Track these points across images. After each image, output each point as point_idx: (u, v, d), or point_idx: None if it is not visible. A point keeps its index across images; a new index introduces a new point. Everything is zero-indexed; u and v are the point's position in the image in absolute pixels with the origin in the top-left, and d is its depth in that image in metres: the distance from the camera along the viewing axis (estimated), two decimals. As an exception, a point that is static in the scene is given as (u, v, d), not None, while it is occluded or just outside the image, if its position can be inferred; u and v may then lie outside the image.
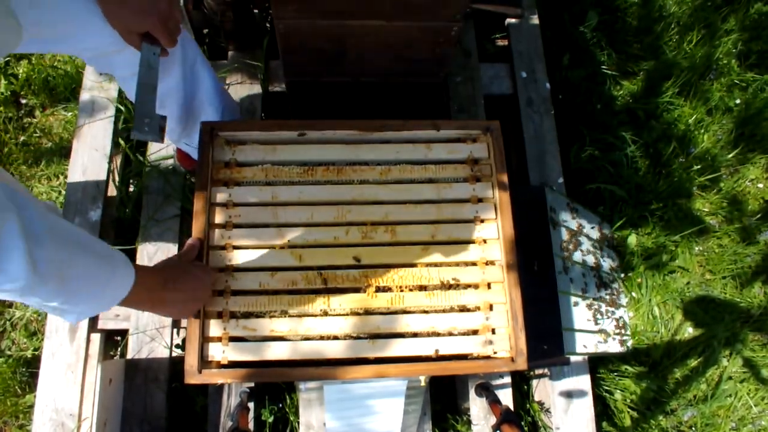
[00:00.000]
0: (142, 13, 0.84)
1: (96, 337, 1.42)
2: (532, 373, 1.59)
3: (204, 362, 0.97)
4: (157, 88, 0.89)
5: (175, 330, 1.44)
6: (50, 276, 0.63)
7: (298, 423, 1.36)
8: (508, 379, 1.47)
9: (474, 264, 1.07)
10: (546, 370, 1.53)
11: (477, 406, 1.45)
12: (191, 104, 1.22)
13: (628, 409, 1.66)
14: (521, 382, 1.59)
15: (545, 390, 1.55)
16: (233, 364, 0.99)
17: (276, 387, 1.48)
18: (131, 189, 1.64)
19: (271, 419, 1.41)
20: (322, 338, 1.01)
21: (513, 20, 1.83)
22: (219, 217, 1.05)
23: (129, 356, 1.39)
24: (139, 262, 1.44)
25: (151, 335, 1.40)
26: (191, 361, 0.95)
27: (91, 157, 1.54)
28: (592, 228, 1.63)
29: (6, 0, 0.71)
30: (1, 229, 0.57)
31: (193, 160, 1.50)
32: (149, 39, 0.89)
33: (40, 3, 0.80)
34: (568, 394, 1.49)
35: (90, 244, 0.71)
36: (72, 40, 0.89)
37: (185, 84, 1.15)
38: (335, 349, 1.00)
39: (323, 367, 0.98)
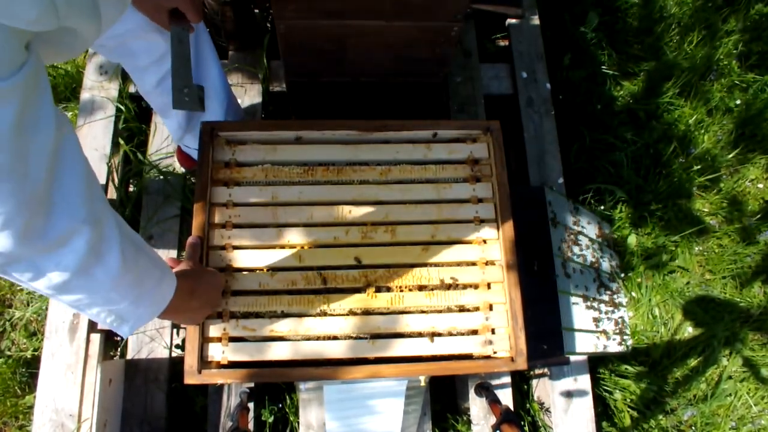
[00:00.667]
0: None
1: (96, 338, 1.42)
2: (532, 372, 1.59)
3: (204, 362, 0.97)
4: (190, 59, 0.93)
5: (174, 330, 1.44)
6: (132, 270, 0.65)
7: (298, 423, 1.36)
8: (508, 379, 1.47)
9: (474, 264, 1.07)
10: (546, 370, 1.53)
11: (477, 406, 1.45)
12: None
13: (628, 409, 1.66)
14: (521, 382, 1.59)
15: (545, 390, 1.55)
16: (233, 365, 0.99)
17: (276, 387, 1.48)
18: (131, 189, 1.64)
19: (271, 419, 1.41)
20: (321, 338, 1.01)
21: (513, 20, 1.83)
22: (219, 217, 1.05)
23: (129, 356, 1.39)
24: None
25: (150, 336, 1.40)
26: (191, 361, 0.95)
27: (90, 157, 1.54)
28: (592, 228, 1.63)
29: None
30: (105, 226, 0.60)
31: (193, 161, 1.51)
32: (176, 17, 0.93)
33: None
34: (568, 394, 1.49)
35: (144, 245, 0.73)
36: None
37: (194, 71, 1.16)
38: (335, 350, 1.00)
39: (323, 368, 0.98)
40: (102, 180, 1.52)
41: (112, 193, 1.58)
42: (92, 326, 1.41)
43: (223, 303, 1.00)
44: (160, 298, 0.75)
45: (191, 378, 0.94)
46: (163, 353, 1.39)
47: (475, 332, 1.05)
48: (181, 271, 0.87)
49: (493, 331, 1.04)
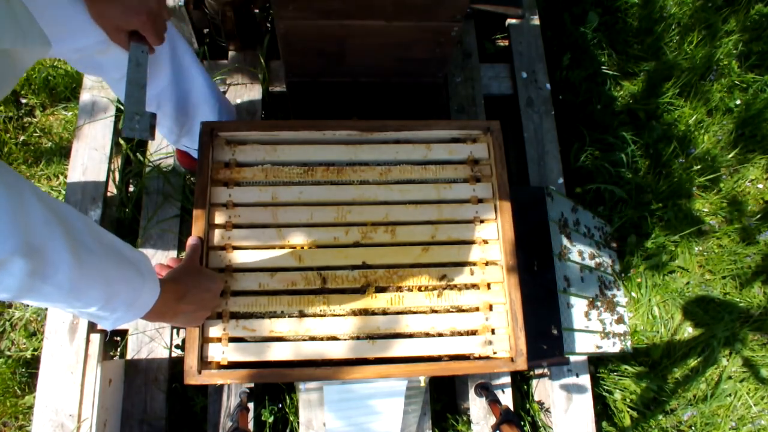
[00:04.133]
0: (131, 11, 0.84)
1: (95, 338, 1.42)
2: (532, 373, 1.59)
3: (204, 363, 0.97)
4: (146, 85, 0.88)
5: (174, 330, 1.44)
6: (95, 279, 0.64)
7: (298, 423, 1.36)
8: (508, 379, 1.47)
9: (474, 264, 1.07)
10: (546, 370, 1.54)
11: (477, 406, 1.45)
12: (186, 103, 1.21)
13: (628, 409, 1.66)
14: (521, 382, 1.59)
15: (545, 390, 1.55)
16: (233, 365, 0.99)
17: (276, 387, 1.48)
18: (131, 189, 1.64)
19: (271, 419, 1.41)
20: (322, 339, 1.01)
21: (513, 21, 1.83)
22: (219, 218, 1.05)
23: (129, 357, 1.39)
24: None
25: (150, 336, 1.40)
26: (191, 361, 0.95)
27: (91, 157, 1.54)
28: (592, 228, 1.63)
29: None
30: (47, 243, 0.57)
31: (193, 160, 1.50)
32: (137, 37, 0.88)
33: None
34: (568, 394, 1.49)
35: (123, 249, 0.71)
36: (59, 41, 0.87)
37: (176, 82, 1.14)
38: (335, 350, 1.00)
39: (323, 368, 0.98)
40: (102, 180, 1.52)
41: (112, 193, 1.58)
42: (92, 326, 1.41)
43: (222, 303, 1.00)
44: (140, 303, 0.73)
45: (191, 378, 0.94)
46: (163, 353, 1.39)
47: (475, 332, 1.05)
48: (173, 275, 0.87)
49: (493, 332, 1.04)
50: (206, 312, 0.93)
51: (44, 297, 0.60)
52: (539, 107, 1.73)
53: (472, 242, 1.09)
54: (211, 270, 1.00)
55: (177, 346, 1.45)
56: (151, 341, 1.39)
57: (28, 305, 1.61)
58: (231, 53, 1.69)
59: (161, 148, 1.58)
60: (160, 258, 1.45)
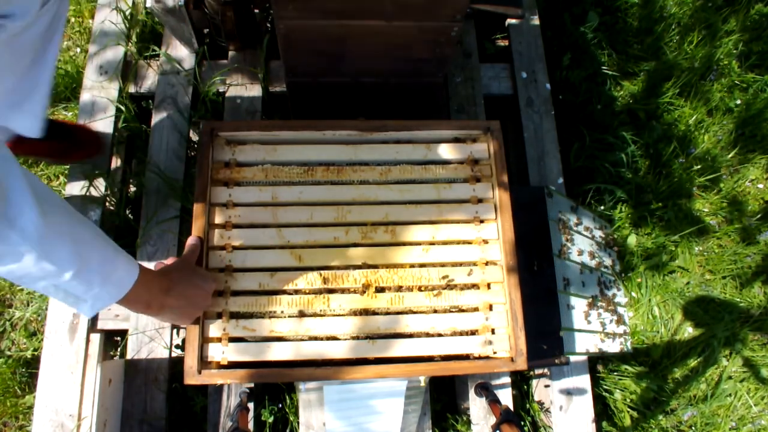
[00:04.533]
0: None
1: (95, 338, 1.42)
2: (531, 373, 1.59)
3: (204, 363, 0.97)
4: None
5: (174, 330, 1.44)
6: (63, 235, 0.61)
7: (298, 423, 1.35)
8: (508, 379, 1.47)
9: (474, 264, 1.07)
10: (546, 370, 1.54)
11: (477, 406, 1.45)
12: None
13: (628, 409, 1.66)
14: (521, 382, 1.59)
15: (545, 390, 1.55)
16: (233, 365, 0.99)
17: (276, 387, 1.48)
18: (131, 189, 1.64)
19: (271, 419, 1.41)
20: (322, 339, 1.01)
21: (513, 21, 1.83)
22: (219, 218, 1.05)
23: (129, 356, 1.39)
24: (138, 262, 1.44)
25: (150, 336, 1.40)
26: (191, 361, 0.95)
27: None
28: (592, 228, 1.63)
29: None
30: (6, 180, 0.55)
31: (27, 145, 1.36)
32: None
33: None
34: (568, 394, 1.49)
35: (93, 225, 0.70)
36: None
37: None
38: (335, 350, 1.00)
39: (323, 368, 0.98)
40: (102, 181, 1.52)
41: (112, 194, 1.58)
42: (92, 326, 1.41)
43: (221, 303, 1.00)
44: (115, 280, 0.72)
45: (191, 378, 0.94)
46: (163, 353, 1.39)
47: (475, 332, 1.05)
48: (164, 268, 0.88)
49: (493, 332, 1.04)
50: (196, 310, 0.92)
51: (11, 252, 0.57)
52: (539, 107, 1.73)
53: (471, 242, 1.09)
54: (209, 271, 1.01)
55: (177, 346, 1.45)
56: (151, 341, 1.39)
57: (28, 305, 1.61)
58: (231, 53, 1.69)
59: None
60: (160, 258, 1.45)
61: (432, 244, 1.08)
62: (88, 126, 1.55)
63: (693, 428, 1.72)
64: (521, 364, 1.00)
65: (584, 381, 1.51)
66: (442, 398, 1.54)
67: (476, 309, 1.05)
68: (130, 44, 1.67)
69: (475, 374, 1.45)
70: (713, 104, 2.04)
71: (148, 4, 1.40)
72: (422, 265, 1.06)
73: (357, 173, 1.10)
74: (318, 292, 1.03)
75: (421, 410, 1.33)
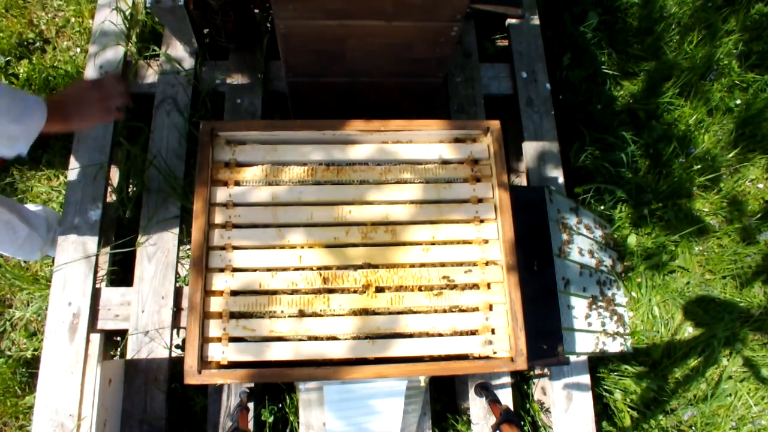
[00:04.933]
0: None
1: (95, 338, 1.42)
2: (531, 372, 1.59)
3: (204, 363, 0.97)
4: None
5: (174, 330, 1.44)
6: None
7: (298, 423, 1.35)
8: (508, 379, 1.47)
9: (474, 264, 1.07)
10: (546, 370, 1.53)
11: (477, 406, 1.45)
12: None
13: (628, 409, 1.66)
14: (521, 382, 1.59)
15: (545, 390, 1.55)
16: (233, 365, 0.99)
17: (276, 387, 1.48)
18: (131, 189, 1.64)
19: (271, 419, 1.41)
20: (321, 339, 1.01)
21: (513, 20, 1.83)
22: (219, 218, 1.05)
23: (129, 356, 1.39)
24: (138, 262, 1.44)
25: (150, 335, 1.40)
26: (191, 361, 0.95)
27: (91, 157, 1.54)
28: (592, 228, 1.63)
29: None
30: None
31: None
32: None
33: None
34: (568, 394, 1.49)
35: None
36: None
37: None
38: (335, 350, 1.00)
39: (323, 368, 0.98)
40: (102, 180, 1.52)
41: (112, 193, 1.58)
42: (92, 326, 1.41)
43: (223, 303, 1.00)
44: (29, 114, 0.95)
45: (191, 378, 0.94)
46: (163, 353, 1.39)
47: (475, 332, 1.05)
48: (57, 98, 1.06)
49: (493, 331, 1.04)
50: (103, 113, 1.11)
51: None
52: (539, 107, 1.73)
53: (472, 242, 1.09)
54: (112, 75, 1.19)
55: (177, 346, 1.45)
56: (151, 341, 1.39)
57: (28, 305, 1.61)
58: (231, 53, 1.69)
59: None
60: (160, 258, 1.45)
61: (432, 244, 1.08)
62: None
63: (693, 428, 1.72)
64: (521, 364, 1.00)
65: (584, 381, 1.51)
66: (442, 398, 1.54)
67: (476, 309, 1.05)
68: (130, 44, 1.67)
69: (475, 374, 1.45)
70: (713, 104, 2.04)
71: (148, 4, 1.40)
72: (422, 265, 1.06)
73: (357, 173, 1.10)
74: (318, 292, 1.03)
75: (421, 410, 1.33)
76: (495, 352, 1.03)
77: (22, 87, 1.81)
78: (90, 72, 1.63)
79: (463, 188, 1.12)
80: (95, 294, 1.41)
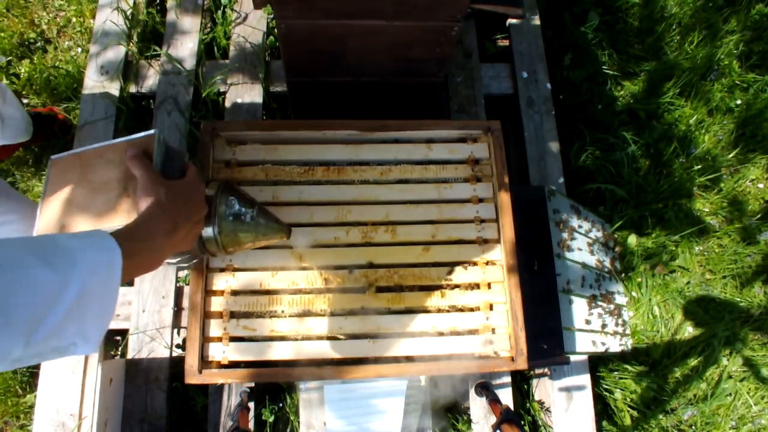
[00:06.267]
0: None
1: (97, 337, 1.42)
2: (532, 372, 1.59)
3: (204, 362, 0.98)
4: None
5: (175, 330, 1.44)
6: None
7: (299, 423, 1.36)
8: (508, 379, 1.47)
9: (474, 264, 1.07)
10: (546, 370, 1.54)
11: (477, 406, 1.45)
12: None
13: (628, 409, 1.66)
14: (521, 382, 1.59)
15: (545, 389, 1.56)
16: (233, 364, 0.99)
17: (276, 387, 1.48)
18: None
19: (271, 419, 1.41)
20: (322, 338, 1.01)
21: (514, 20, 1.83)
22: (219, 217, 1.05)
23: (129, 356, 1.39)
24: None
25: (151, 335, 1.40)
26: (191, 361, 0.95)
27: (91, 156, 1.54)
28: (593, 228, 1.63)
29: None
30: None
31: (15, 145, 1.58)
32: None
33: None
34: (569, 394, 1.49)
35: (35, 246, 0.52)
36: None
37: None
38: (336, 349, 1.00)
39: (324, 367, 0.98)
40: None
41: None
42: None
43: (223, 303, 1.00)
44: (102, 288, 0.55)
45: (192, 377, 0.94)
46: (163, 353, 1.39)
47: (475, 332, 1.05)
48: (143, 216, 0.66)
49: (493, 331, 1.04)
50: (199, 217, 0.74)
51: None
52: (540, 107, 1.73)
53: (472, 242, 1.09)
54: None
55: (178, 346, 1.45)
56: (151, 341, 1.40)
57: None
58: (231, 53, 1.69)
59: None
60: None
61: (433, 243, 1.08)
62: (56, 109, 1.76)
63: (693, 428, 1.72)
64: (521, 364, 1.01)
65: (584, 380, 1.51)
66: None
67: (477, 309, 1.06)
68: (131, 44, 1.67)
69: (475, 374, 1.45)
70: (714, 104, 2.04)
71: None
72: (423, 265, 1.07)
73: (357, 173, 1.10)
74: (318, 291, 1.03)
75: (421, 409, 1.33)
76: (495, 352, 1.03)
77: (23, 87, 1.81)
78: (91, 72, 1.63)
79: (464, 188, 1.12)
80: (96, 293, 1.42)
